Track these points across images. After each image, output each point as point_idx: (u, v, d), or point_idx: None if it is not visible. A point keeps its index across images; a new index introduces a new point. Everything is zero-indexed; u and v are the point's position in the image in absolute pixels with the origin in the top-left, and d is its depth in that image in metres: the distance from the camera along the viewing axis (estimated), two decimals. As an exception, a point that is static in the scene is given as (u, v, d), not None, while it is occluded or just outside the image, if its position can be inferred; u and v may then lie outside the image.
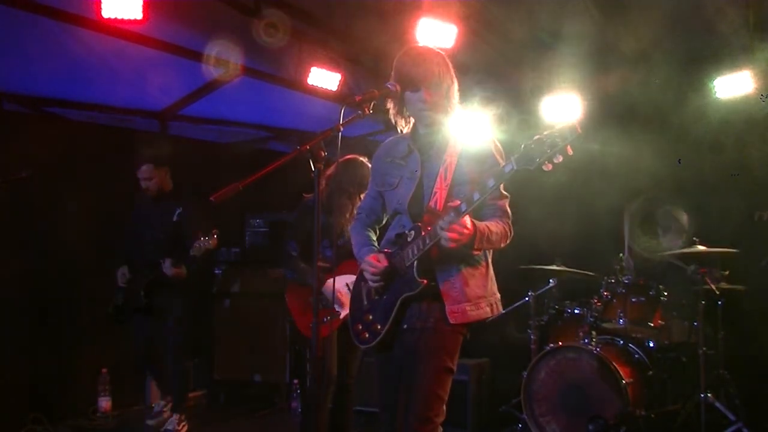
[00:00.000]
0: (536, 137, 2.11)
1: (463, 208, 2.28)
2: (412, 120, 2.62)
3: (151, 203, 4.75)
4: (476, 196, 2.28)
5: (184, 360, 4.83)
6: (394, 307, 2.48)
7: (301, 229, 3.88)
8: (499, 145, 2.56)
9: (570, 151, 2.07)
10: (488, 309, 2.49)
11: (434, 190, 2.47)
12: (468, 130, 2.51)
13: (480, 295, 2.47)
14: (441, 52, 2.60)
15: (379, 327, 2.54)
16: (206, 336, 5.98)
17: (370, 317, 2.59)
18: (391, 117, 2.63)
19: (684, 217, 4.88)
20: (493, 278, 2.57)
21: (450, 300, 2.43)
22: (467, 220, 2.29)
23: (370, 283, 2.58)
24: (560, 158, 2.09)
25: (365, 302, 2.64)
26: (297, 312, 3.86)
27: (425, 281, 2.41)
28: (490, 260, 2.57)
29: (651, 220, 5.01)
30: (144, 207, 4.80)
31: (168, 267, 4.47)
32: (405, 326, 2.51)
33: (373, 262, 2.53)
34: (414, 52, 2.57)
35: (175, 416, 4.70)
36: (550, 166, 2.11)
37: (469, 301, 2.44)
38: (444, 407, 2.42)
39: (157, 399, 5.04)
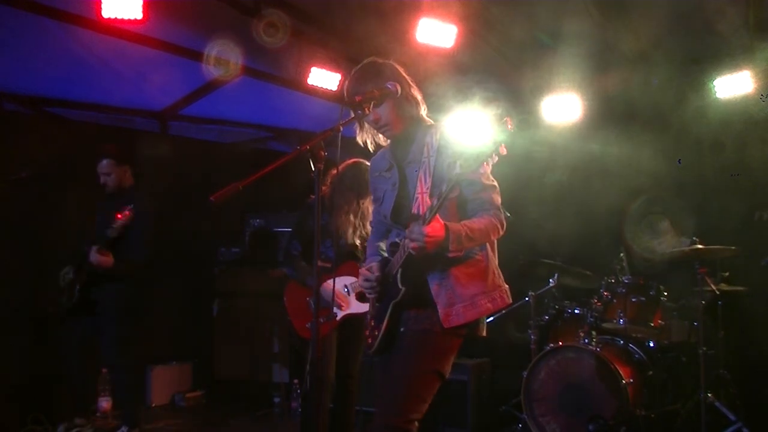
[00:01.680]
0: (477, 140, 2.19)
1: (428, 215, 2.29)
2: (379, 136, 2.65)
3: (107, 200, 4.55)
4: (434, 201, 2.29)
5: (133, 359, 4.46)
6: (387, 313, 2.51)
7: (304, 228, 3.89)
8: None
9: (504, 151, 2.15)
10: (489, 305, 2.45)
11: (416, 195, 2.48)
12: (442, 129, 2.49)
13: (477, 292, 2.44)
14: (386, 63, 2.61)
15: (376, 332, 2.59)
16: (206, 336, 5.99)
17: (373, 323, 2.65)
18: (358, 138, 2.68)
19: (665, 223, 4.90)
20: (496, 270, 2.53)
21: (441, 303, 2.42)
22: (433, 226, 2.27)
23: (366, 292, 2.66)
24: (496, 158, 2.18)
25: (372, 309, 2.71)
26: (293, 312, 3.87)
27: (404, 288, 2.43)
28: (490, 252, 2.52)
29: (649, 222, 5.02)
30: (103, 204, 4.58)
31: (93, 254, 4.18)
32: (402, 329, 2.54)
33: (365, 273, 2.61)
34: (353, 75, 2.59)
35: (124, 428, 4.38)
36: (489, 167, 2.28)
37: (464, 300, 2.42)
38: (421, 407, 2.37)
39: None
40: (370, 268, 2.61)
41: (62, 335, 4.52)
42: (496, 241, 2.56)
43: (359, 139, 2.69)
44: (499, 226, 2.45)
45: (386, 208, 2.62)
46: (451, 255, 2.36)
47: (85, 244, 4.44)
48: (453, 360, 2.49)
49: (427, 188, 2.44)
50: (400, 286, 2.45)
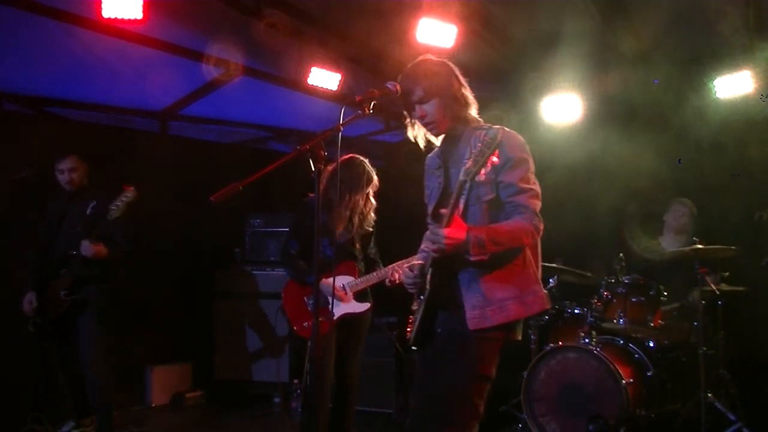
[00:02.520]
0: (477, 148, 2.28)
1: (447, 217, 2.29)
2: (424, 131, 2.65)
3: (67, 199, 4.45)
4: (450, 205, 2.30)
5: (108, 361, 4.29)
6: (421, 310, 2.52)
7: (302, 227, 3.89)
8: (514, 140, 2.49)
9: (496, 159, 2.31)
10: (520, 309, 2.42)
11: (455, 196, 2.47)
12: (487, 132, 2.43)
13: (508, 296, 2.41)
14: (439, 61, 2.60)
15: (411, 327, 2.62)
16: (206, 336, 5.99)
17: (412, 318, 2.67)
18: (409, 134, 2.69)
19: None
20: (533, 275, 2.50)
21: (469, 305, 2.41)
22: (453, 228, 2.27)
23: (407, 287, 2.64)
24: (496, 161, 2.34)
25: (414, 304, 2.72)
26: (291, 312, 3.87)
27: (430, 287, 2.45)
28: (528, 256, 2.49)
29: (651, 221, 5.02)
30: (58, 205, 4.48)
31: (86, 246, 4.11)
32: (438, 330, 2.54)
33: (407, 271, 2.61)
34: (407, 71, 2.58)
35: None
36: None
37: (493, 304, 2.39)
38: (473, 410, 2.39)
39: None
40: (411, 267, 2.62)
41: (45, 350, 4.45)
42: (538, 245, 2.53)
43: (410, 135, 2.69)
44: (532, 230, 2.40)
45: (429, 207, 2.64)
46: (473, 259, 2.32)
47: (46, 253, 4.38)
48: (496, 360, 2.48)
49: (465, 189, 2.39)
50: (428, 285, 2.46)
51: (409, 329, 2.64)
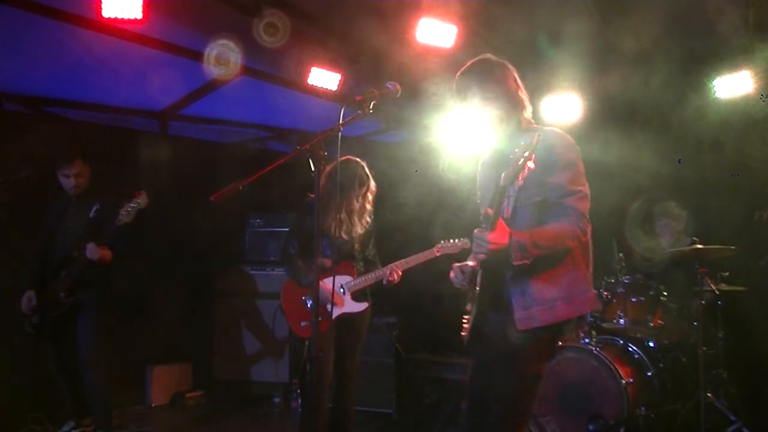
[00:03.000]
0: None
1: (490, 222, 2.33)
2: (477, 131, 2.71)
3: (71, 202, 4.50)
4: (494, 210, 2.35)
5: (105, 361, 4.34)
6: (474, 311, 2.57)
7: (302, 227, 3.89)
8: (563, 142, 2.54)
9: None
10: (569, 310, 2.45)
11: (506, 197, 2.51)
12: (539, 135, 2.45)
13: (557, 297, 2.44)
14: (496, 62, 2.64)
15: (465, 327, 2.64)
16: (206, 336, 5.99)
17: (465, 318, 2.70)
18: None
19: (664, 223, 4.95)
20: (583, 276, 2.53)
21: (518, 305, 2.44)
22: (497, 233, 2.31)
23: (457, 286, 2.69)
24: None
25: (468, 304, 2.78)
26: (290, 312, 3.88)
27: (478, 288, 2.51)
28: (578, 257, 2.52)
29: (651, 220, 5.01)
30: (60, 208, 4.53)
31: (92, 250, 4.16)
32: (489, 330, 2.58)
33: (458, 273, 2.65)
34: (465, 69, 2.64)
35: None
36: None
37: (542, 304, 2.43)
38: (522, 409, 2.45)
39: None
40: (464, 266, 2.65)
41: (54, 343, 4.47)
42: (589, 247, 2.58)
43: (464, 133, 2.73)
44: (577, 232, 2.43)
45: (482, 208, 2.67)
46: (516, 263, 2.36)
47: (47, 254, 4.43)
48: (546, 359, 2.53)
49: (515, 190, 2.46)
50: (477, 286, 2.51)
51: (463, 331, 2.68)
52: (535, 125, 2.63)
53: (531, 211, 2.46)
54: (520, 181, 2.34)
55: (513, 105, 2.59)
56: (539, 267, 2.42)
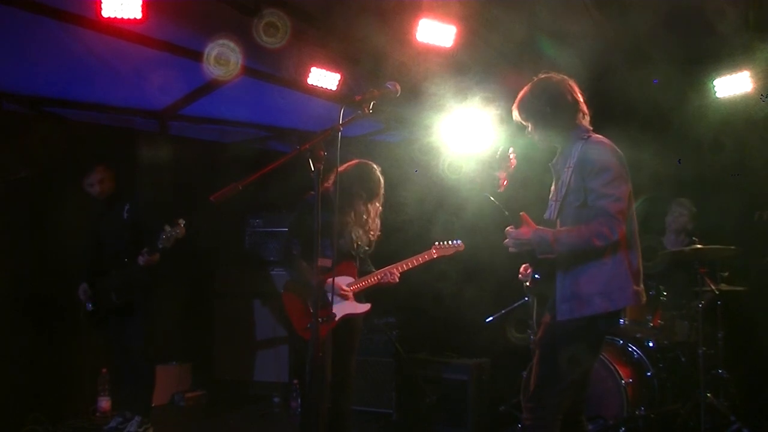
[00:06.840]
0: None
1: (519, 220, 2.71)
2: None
3: (103, 207, 4.71)
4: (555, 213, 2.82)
5: (153, 352, 4.78)
6: (534, 302, 2.97)
7: (302, 226, 3.86)
8: (600, 148, 2.78)
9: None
10: (605, 304, 2.64)
11: (551, 201, 2.89)
12: (586, 144, 2.80)
13: (594, 291, 2.64)
14: (541, 85, 2.93)
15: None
16: (206, 336, 5.99)
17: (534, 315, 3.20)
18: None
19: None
20: (624, 273, 2.68)
21: (560, 298, 2.69)
22: (521, 230, 2.66)
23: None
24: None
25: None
26: (293, 313, 3.86)
27: (530, 284, 2.87)
28: (621, 255, 2.68)
29: (651, 221, 5.02)
30: (96, 213, 4.76)
31: (144, 256, 4.37)
32: (540, 320, 2.91)
33: (522, 269, 2.99)
34: (518, 96, 2.96)
35: (137, 418, 4.54)
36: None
37: (579, 298, 2.64)
38: (559, 395, 2.68)
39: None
40: (526, 267, 3.00)
41: (110, 336, 4.78)
42: (635, 245, 2.75)
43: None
44: (604, 233, 2.58)
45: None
46: (540, 257, 2.70)
47: (95, 257, 4.69)
48: (587, 348, 2.72)
49: (560, 197, 2.77)
50: (529, 282, 2.89)
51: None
52: (583, 134, 2.87)
53: (572, 213, 2.72)
54: (564, 189, 2.70)
55: (560, 119, 2.88)
56: (581, 263, 2.66)
